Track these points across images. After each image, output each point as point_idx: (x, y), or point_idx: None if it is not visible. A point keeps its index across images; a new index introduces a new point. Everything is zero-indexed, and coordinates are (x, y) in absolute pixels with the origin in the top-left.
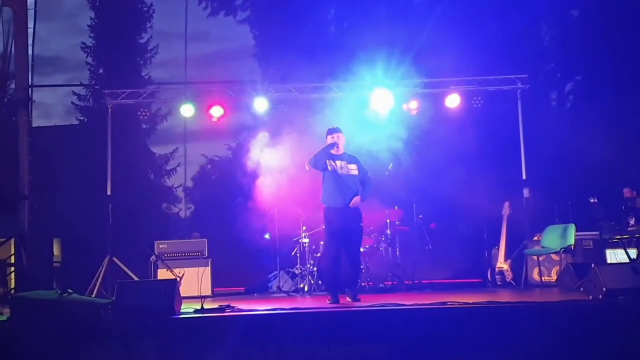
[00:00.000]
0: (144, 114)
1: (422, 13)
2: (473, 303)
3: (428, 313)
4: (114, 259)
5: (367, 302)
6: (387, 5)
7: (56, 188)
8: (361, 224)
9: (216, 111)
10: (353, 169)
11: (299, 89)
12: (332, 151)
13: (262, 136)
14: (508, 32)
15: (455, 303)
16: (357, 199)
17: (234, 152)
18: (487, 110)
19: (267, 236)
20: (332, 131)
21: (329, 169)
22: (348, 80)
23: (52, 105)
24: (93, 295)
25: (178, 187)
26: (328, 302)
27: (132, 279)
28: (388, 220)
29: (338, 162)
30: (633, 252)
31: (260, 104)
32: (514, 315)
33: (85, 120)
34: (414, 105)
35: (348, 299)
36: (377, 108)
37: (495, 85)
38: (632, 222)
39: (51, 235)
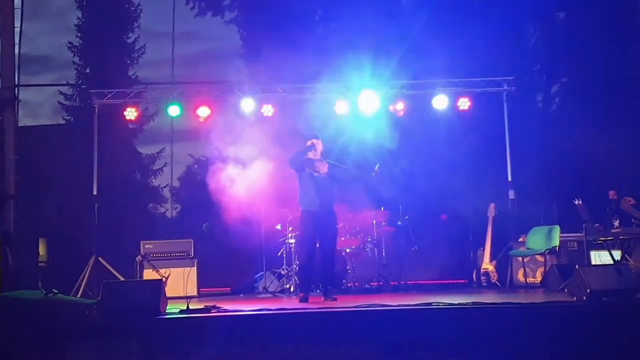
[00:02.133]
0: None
1: (410, 14)
2: (458, 304)
3: (413, 314)
4: (100, 259)
5: (353, 303)
6: (375, 7)
7: (42, 188)
8: (336, 226)
9: (203, 111)
10: (328, 173)
11: (287, 90)
12: (310, 154)
13: (249, 137)
14: (494, 34)
15: (441, 304)
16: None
17: (220, 152)
18: (473, 112)
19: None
20: (310, 137)
21: (306, 171)
22: (335, 81)
23: (39, 104)
24: (78, 296)
25: (164, 187)
26: (298, 300)
27: (118, 279)
28: (374, 221)
29: (315, 165)
30: (617, 254)
31: (247, 105)
32: (498, 317)
33: (72, 119)
34: (400, 106)
35: (323, 299)
36: (364, 109)
37: (482, 87)
38: (616, 224)
39: (37, 235)
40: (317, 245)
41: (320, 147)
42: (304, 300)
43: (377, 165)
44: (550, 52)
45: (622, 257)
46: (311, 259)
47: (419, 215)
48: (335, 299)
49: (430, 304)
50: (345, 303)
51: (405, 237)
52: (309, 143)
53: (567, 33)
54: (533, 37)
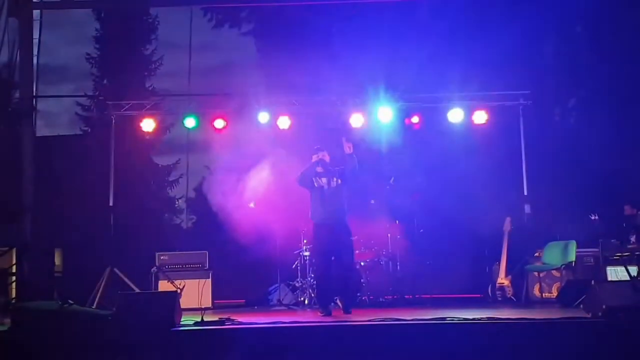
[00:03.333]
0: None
1: (426, 27)
2: (473, 319)
3: (428, 328)
4: (115, 270)
5: (367, 317)
6: (390, 19)
7: (59, 198)
8: (351, 238)
9: (219, 123)
10: (338, 182)
11: (302, 102)
12: (318, 169)
13: (264, 149)
14: (511, 47)
15: (455, 319)
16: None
17: (236, 164)
18: (489, 126)
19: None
20: (316, 150)
21: (315, 185)
22: (351, 93)
23: (57, 115)
24: (94, 306)
25: (180, 198)
26: (320, 314)
27: (133, 290)
28: (389, 234)
29: (324, 179)
30: (633, 270)
31: (263, 117)
32: (513, 332)
33: (89, 130)
34: (416, 119)
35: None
36: (380, 121)
37: (498, 101)
38: (632, 239)
39: (53, 245)
40: (333, 258)
41: (327, 158)
42: (327, 314)
43: (392, 179)
44: (568, 66)
45: (639, 272)
46: (327, 272)
47: (434, 229)
48: (350, 313)
49: (444, 318)
50: (360, 317)
51: (420, 251)
52: (314, 158)
53: (584, 47)
54: (550, 51)
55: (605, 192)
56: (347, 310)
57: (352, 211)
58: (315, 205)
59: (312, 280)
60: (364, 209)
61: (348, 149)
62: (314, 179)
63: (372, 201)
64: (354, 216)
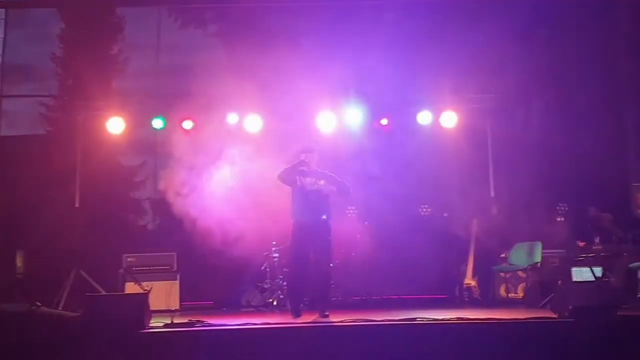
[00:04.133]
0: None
1: (395, 30)
2: (442, 319)
3: (398, 329)
4: (81, 272)
5: (337, 318)
6: (360, 22)
7: (22, 199)
8: (329, 238)
9: (187, 124)
10: (323, 185)
11: (272, 104)
12: (303, 168)
13: (234, 150)
14: (478, 50)
15: (425, 319)
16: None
17: (204, 165)
18: (457, 128)
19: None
20: (305, 150)
21: (298, 183)
22: (321, 95)
23: (20, 114)
24: (59, 308)
25: (146, 199)
26: (291, 316)
27: (99, 292)
28: (358, 236)
29: (307, 179)
30: (598, 271)
31: (232, 118)
32: (482, 332)
33: (53, 130)
34: (385, 121)
35: (318, 315)
36: (350, 123)
37: (466, 104)
38: (597, 240)
39: (15, 246)
40: (311, 258)
41: (316, 158)
42: (296, 315)
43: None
44: (532, 70)
45: (603, 273)
46: (302, 271)
47: (402, 230)
48: (327, 315)
49: (414, 319)
50: (330, 318)
51: (388, 252)
52: (302, 157)
53: (549, 50)
54: (515, 54)
55: (571, 193)
56: (323, 314)
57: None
58: (295, 203)
59: (281, 282)
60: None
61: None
62: (297, 177)
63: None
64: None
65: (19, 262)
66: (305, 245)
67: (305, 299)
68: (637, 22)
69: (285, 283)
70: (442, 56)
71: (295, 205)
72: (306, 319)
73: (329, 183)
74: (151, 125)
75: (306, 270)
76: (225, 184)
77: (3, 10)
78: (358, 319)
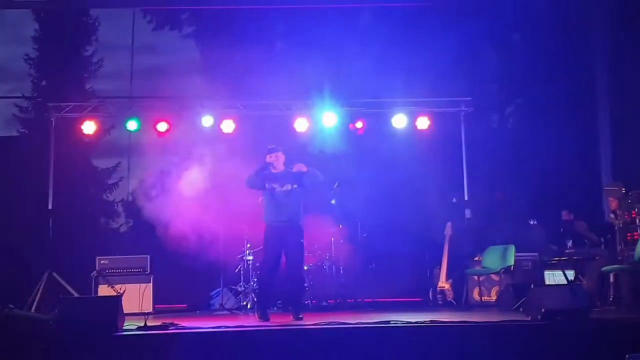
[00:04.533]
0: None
1: (369, 34)
2: (416, 322)
3: (372, 332)
4: (54, 274)
5: (312, 321)
6: (334, 25)
7: None
8: (301, 241)
9: (162, 126)
10: (292, 185)
11: (246, 106)
12: (271, 169)
13: (207, 152)
14: (452, 54)
15: (399, 322)
16: (300, 165)
17: (178, 167)
18: (431, 131)
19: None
20: (270, 150)
21: (267, 187)
22: (295, 97)
23: None
24: (32, 311)
25: (119, 201)
26: (257, 318)
27: (72, 294)
28: (332, 239)
29: (276, 181)
30: (571, 274)
31: (207, 120)
32: (456, 335)
33: (27, 132)
34: (360, 124)
35: (291, 317)
36: (324, 126)
37: (441, 107)
38: (569, 244)
39: None
40: (284, 260)
41: (282, 158)
42: (264, 318)
43: (336, 184)
44: (505, 73)
45: (576, 277)
46: (272, 274)
47: (377, 233)
48: (301, 318)
49: (388, 322)
50: (304, 320)
51: (362, 255)
52: (268, 159)
53: (521, 54)
54: (488, 58)
55: (544, 197)
56: (297, 316)
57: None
58: (268, 207)
59: (255, 285)
60: (307, 212)
61: (302, 168)
62: (265, 181)
63: (336, 185)
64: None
65: None
66: (276, 248)
67: (279, 301)
68: (611, 26)
69: (257, 283)
70: (417, 60)
71: (266, 208)
72: (280, 321)
73: (297, 181)
74: (125, 127)
75: (277, 273)
76: (199, 186)
77: None
78: (332, 322)
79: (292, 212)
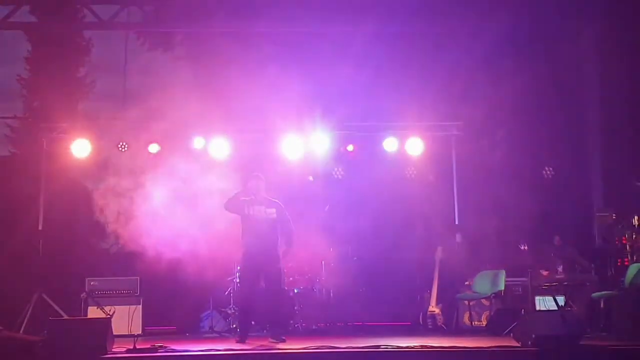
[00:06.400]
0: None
1: (361, 58)
2: (407, 347)
3: (362, 356)
4: (43, 295)
5: (301, 344)
6: (327, 49)
7: None
8: (278, 266)
9: (153, 147)
10: (271, 213)
11: (238, 129)
12: (250, 196)
13: (199, 174)
14: (443, 79)
15: (389, 347)
16: (286, 251)
17: (169, 189)
18: (422, 155)
19: (310, 178)
20: (252, 177)
21: (245, 212)
22: (287, 121)
23: None
24: (21, 332)
25: (110, 222)
26: (235, 342)
27: (61, 316)
28: (323, 262)
29: (256, 207)
30: (561, 300)
31: (198, 142)
32: None
33: (17, 152)
34: (351, 147)
35: (270, 339)
36: (316, 149)
37: (432, 131)
38: (560, 269)
39: None
40: (263, 285)
41: (262, 185)
42: (241, 341)
43: (327, 207)
44: (497, 98)
45: (566, 303)
46: (249, 299)
47: (366, 257)
48: (284, 340)
49: (378, 346)
50: (293, 344)
51: (353, 278)
52: (249, 184)
53: (513, 79)
54: (481, 83)
55: (534, 222)
56: (275, 339)
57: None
58: (245, 231)
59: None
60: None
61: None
62: (245, 206)
63: (327, 208)
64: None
65: None
66: (254, 273)
67: (268, 325)
68: (603, 50)
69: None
70: (408, 83)
71: (244, 233)
72: (270, 345)
73: (277, 211)
74: (116, 148)
75: (254, 298)
76: (189, 208)
77: None
78: (322, 346)
79: (270, 239)
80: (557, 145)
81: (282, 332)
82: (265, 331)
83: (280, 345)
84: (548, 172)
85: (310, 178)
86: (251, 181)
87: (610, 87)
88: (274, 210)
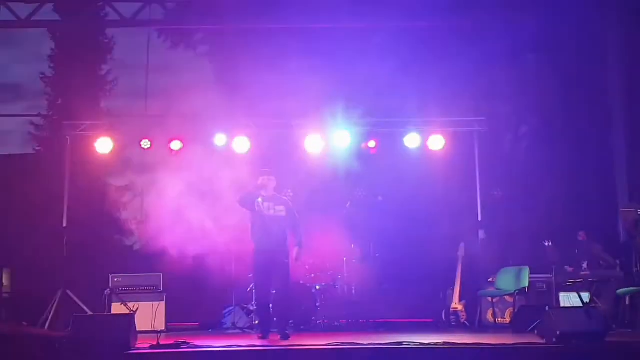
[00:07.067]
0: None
1: (383, 54)
2: (429, 344)
3: (385, 353)
4: (67, 291)
5: (324, 341)
6: (349, 44)
7: (9, 218)
8: (286, 261)
9: (175, 145)
10: (280, 211)
11: (260, 125)
12: (262, 192)
13: (221, 171)
14: (466, 74)
15: (412, 343)
16: (297, 252)
17: (192, 185)
18: (445, 151)
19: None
20: (263, 173)
21: (256, 208)
22: (308, 117)
23: (10, 134)
24: (45, 328)
25: (133, 219)
26: (258, 338)
27: (85, 312)
28: (345, 258)
29: (265, 204)
30: (586, 296)
31: (220, 139)
32: (469, 357)
33: (42, 150)
34: (372, 144)
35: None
36: (337, 146)
37: (454, 127)
38: (585, 265)
39: (1, 265)
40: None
41: (273, 183)
42: (263, 337)
43: (348, 203)
44: (519, 93)
45: (591, 299)
46: (266, 297)
47: (389, 253)
48: (288, 337)
49: (401, 343)
50: (316, 341)
51: (375, 275)
52: (259, 181)
53: (537, 74)
54: (504, 78)
55: (559, 218)
56: (284, 337)
57: (308, 234)
58: (255, 228)
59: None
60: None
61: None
62: (255, 202)
63: (348, 204)
64: (309, 238)
65: (5, 281)
66: (265, 270)
67: (291, 321)
68: (627, 45)
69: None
70: (430, 79)
71: (254, 229)
72: (292, 341)
73: (286, 209)
74: (139, 145)
75: (270, 293)
76: (211, 205)
77: None
78: (344, 342)
79: (279, 236)
80: (581, 140)
81: (286, 329)
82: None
83: (302, 342)
84: (572, 168)
85: (348, 205)
86: (261, 177)
87: (636, 83)
88: (282, 207)
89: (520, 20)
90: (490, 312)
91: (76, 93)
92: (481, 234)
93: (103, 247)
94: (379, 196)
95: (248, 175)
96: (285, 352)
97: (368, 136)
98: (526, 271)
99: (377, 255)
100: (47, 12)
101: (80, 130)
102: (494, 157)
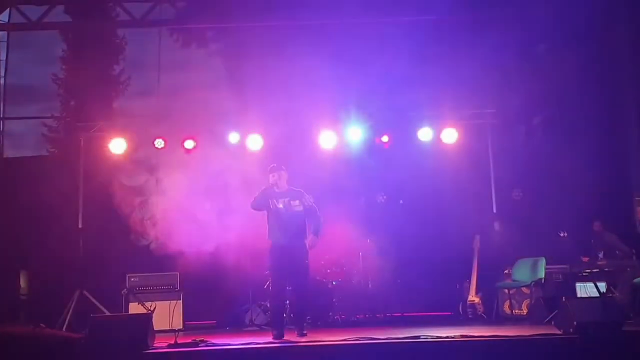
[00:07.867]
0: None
1: (396, 48)
2: (447, 337)
3: (402, 347)
4: (85, 292)
5: (341, 336)
6: (361, 40)
7: (25, 220)
8: (306, 261)
9: (189, 144)
10: (296, 205)
11: (272, 122)
12: (275, 189)
13: (235, 169)
14: (479, 66)
15: (429, 337)
16: (312, 240)
17: (206, 184)
18: (458, 144)
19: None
20: (272, 169)
21: (272, 207)
22: (322, 113)
23: (23, 136)
24: (63, 329)
25: (149, 219)
26: (272, 337)
27: (103, 312)
28: (360, 253)
29: (280, 200)
30: (602, 286)
31: (234, 137)
32: (487, 350)
33: (56, 151)
34: (386, 138)
35: (296, 334)
36: (350, 141)
37: (467, 120)
38: (601, 255)
39: (18, 267)
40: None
41: (284, 176)
42: (277, 337)
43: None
44: (533, 86)
45: (608, 289)
46: (282, 293)
47: (404, 247)
48: (305, 334)
49: (418, 336)
50: (334, 336)
51: (391, 269)
52: (270, 179)
53: (549, 67)
54: (516, 71)
55: (574, 209)
56: (300, 333)
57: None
58: (272, 226)
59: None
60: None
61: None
62: (270, 200)
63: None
64: (326, 234)
65: (22, 283)
66: (283, 268)
67: (308, 317)
68: (638, 34)
69: (287, 302)
70: (442, 73)
71: (270, 227)
72: (310, 337)
73: (301, 202)
74: (153, 144)
75: (284, 292)
76: (226, 203)
77: (4, 33)
78: (361, 337)
79: (297, 231)
80: (595, 130)
81: (303, 327)
82: (304, 324)
83: (319, 338)
84: (586, 158)
85: (400, 201)
86: (272, 173)
87: None
88: (298, 202)
89: (532, 12)
90: (507, 304)
91: (89, 94)
92: (496, 225)
93: (119, 247)
94: (400, 200)
95: (263, 171)
96: (302, 348)
97: (381, 130)
98: (542, 262)
99: (393, 249)
100: (58, 14)
101: (94, 131)
102: (507, 149)
